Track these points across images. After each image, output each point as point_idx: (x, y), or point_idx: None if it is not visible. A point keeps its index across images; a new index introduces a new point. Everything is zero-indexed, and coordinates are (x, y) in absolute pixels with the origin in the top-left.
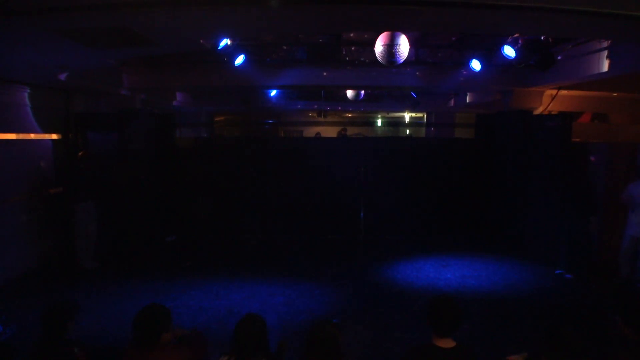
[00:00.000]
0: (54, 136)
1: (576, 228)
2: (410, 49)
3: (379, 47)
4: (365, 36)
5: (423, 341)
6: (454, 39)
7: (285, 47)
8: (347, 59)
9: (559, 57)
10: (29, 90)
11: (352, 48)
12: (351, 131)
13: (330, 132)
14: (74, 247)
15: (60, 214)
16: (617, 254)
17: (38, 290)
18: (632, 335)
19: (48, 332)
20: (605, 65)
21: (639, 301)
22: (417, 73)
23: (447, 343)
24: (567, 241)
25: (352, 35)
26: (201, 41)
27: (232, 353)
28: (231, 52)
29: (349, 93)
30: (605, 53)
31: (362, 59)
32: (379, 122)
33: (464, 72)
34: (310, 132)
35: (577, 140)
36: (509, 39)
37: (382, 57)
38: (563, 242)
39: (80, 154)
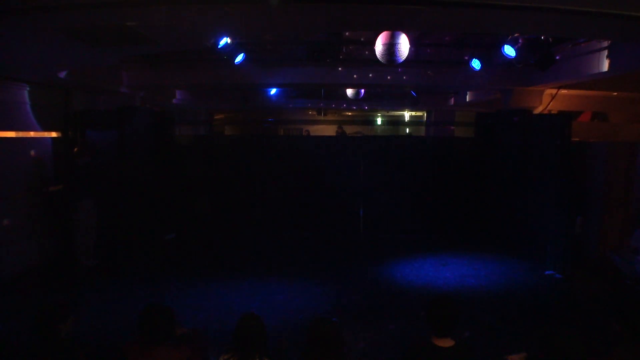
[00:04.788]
0: (54, 134)
1: (563, 228)
2: (410, 48)
3: (379, 46)
4: (362, 38)
5: (422, 339)
6: (449, 38)
7: (285, 46)
8: (348, 57)
9: (558, 57)
10: (28, 88)
11: (352, 47)
12: (351, 130)
13: (330, 130)
14: (74, 244)
15: (60, 212)
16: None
17: (37, 288)
18: (625, 334)
19: (42, 334)
20: (605, 65)
21: (633, 300)
22: (417, 72)
23: (446, 342)
24: (555, 241)
25: (352, 34)
26: (201, 40)
27: (232, 352)
28: (231, 50)
29: (349, 91)
30: (605, 52)
31: (362, 57)
32: (379, 121)
33: (464, 71)
34: (311, 130)
35: (577, 139)
36: (509, 38)
37: (382, 56)
38: (551, 243)
39: (75, 149)
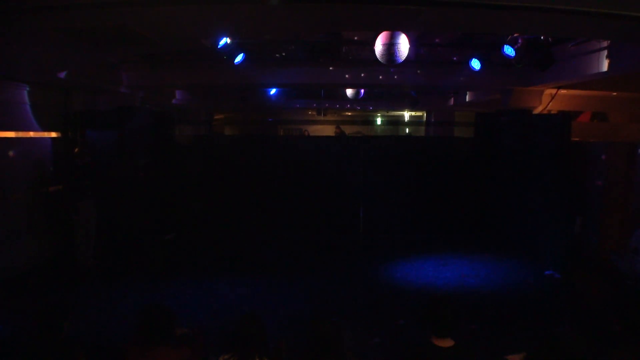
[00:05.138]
0: (53, 134)
1: (562, 228)
2: (410, 48)
3: (378, 46)
4: (356, 37)
5: (422, 339)
6: (448, 38)
7: (284, 46)
8: (347, 57)
9: (558, 57)
10: (28, 88)
11: (352, 47)
12: (351, 130)
13: (330, 130)
14: (73, 244)
15: (60, 212)
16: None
17: (37, 288)
18: (626, 334)
19: (43, 333)
20: (605, 65)
21: (633, 300)
22: (417, 72)
23: (446, 342)
24: (554, 241)
25: (352, 34)
26: (201, 40)
27: (232, 352)
28: (230, 50)
29: (349, 92)
30: (605, 52)
31: (361, 57)
32: (379, 121)
33: (464, 71)
34: (310, 130)
35: (577, 139)
36: (509, 38)
37: (382, 56)
38: (550, 242)
39: (75, 150)
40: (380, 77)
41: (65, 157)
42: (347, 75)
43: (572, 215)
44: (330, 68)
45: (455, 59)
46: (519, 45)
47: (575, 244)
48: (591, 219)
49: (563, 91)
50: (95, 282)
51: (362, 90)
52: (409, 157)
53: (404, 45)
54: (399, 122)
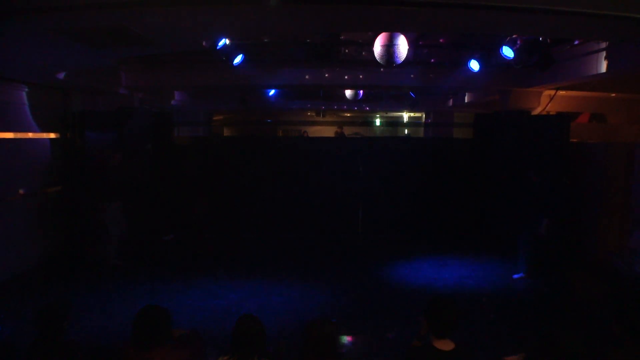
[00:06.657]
0: (52, 135)
1: (532, 230)
2: (409, 49)
3: (377, 47)
4: (357, 38)
5: (421, 342)
6: (448, 39)
7: (283, 47)
8: (346, 58)
9: (557, 58)
10: (27, 89)
11: (351, 48)
12: (349, 131)
13: (329, 131)
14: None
15: (61, 213)
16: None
17: (37, 289)
18: (622, 334)
19: (43, 334)
20: (603, 66)
21: (632, 301)
22: (416, 73)
23: (447, 345)
24: (525, 244)
25: (351, 35)
26: (200, 41)
27: (231, 353)
28: (229, 51)
29: (348, 92)
30: (604, 54)
31: (360, 58)
32: (378, 122)
33: (463, 72)
34: (310, 131)
35: (576, 140)
36: (508, 39)
37: (381, 57)
38: (520, 245)
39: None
40: (379, 78)
41: (63, 158)
42: (346, 76)
43: (571, 217)
44: (329, 69)
45: (454, 59)
46: (518, 46)
47: (542, 247)
48: (590, 220)
49: (562, 92)
50: (94, 282)
51: (361, 91)
52: (407, 158)
53: (403, 46)
54: (398, 123)
